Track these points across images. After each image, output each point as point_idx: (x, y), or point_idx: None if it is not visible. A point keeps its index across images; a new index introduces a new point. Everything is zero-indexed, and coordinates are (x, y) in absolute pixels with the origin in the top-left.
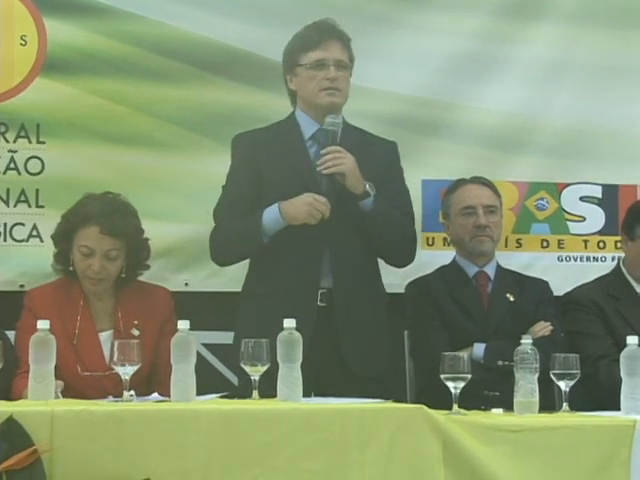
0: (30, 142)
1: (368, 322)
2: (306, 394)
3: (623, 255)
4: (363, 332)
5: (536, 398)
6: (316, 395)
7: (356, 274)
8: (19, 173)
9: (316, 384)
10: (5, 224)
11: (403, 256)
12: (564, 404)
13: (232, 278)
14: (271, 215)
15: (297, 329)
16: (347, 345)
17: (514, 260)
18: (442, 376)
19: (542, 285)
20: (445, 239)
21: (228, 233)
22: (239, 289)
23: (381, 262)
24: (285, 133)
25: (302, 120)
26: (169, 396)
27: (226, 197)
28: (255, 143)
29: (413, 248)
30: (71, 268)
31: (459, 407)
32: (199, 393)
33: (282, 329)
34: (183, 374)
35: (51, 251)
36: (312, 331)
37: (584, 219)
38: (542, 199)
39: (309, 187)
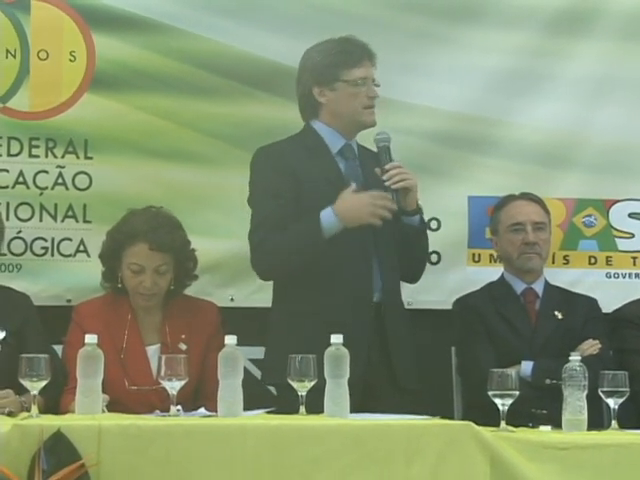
0: (78, 158)
1: (411, 336)
2: (359, 409)
3: None
4: (410, 346)
5: (584, 415)
6: (368, 410)
7: (398, 289)
8: (67, 188)
9: (368, 399)
10: (53, 239)
11: (421, 273)
12: (613, 422)
13: None
14: (328, 217)
15: (350, 345)
16: (397, 359)
17: (561, 277)
18: (490, 393)
19: (590, 302)
20: (491, 255)
21: (282, 242)
22: None
23: (424, 279)
24: (311, 146)
25: (326, 134)
26: (216, 411)
27: (262, 214)
28: (287, 154)
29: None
30: (120, 285)
31: (507, 424)
32: (246, 408)
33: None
34: (230, 389)
35: (98, 266)
36: (366, 346)
37: (633, 236)
38: (590, 216)
39: None
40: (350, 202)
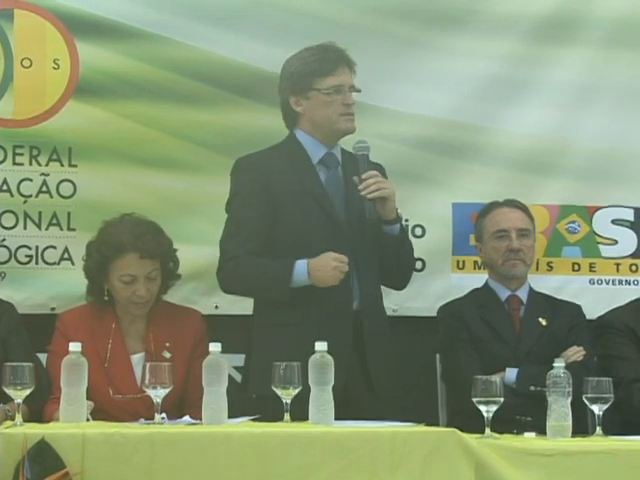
0: (62, 165)
1: (390, 344)
2: (336, 417)
3: None
4: (387, 354)
5: (569, 422)
6: (344, 417)
7: (377, 296)
8: (51, 196)
9: (345, 406)
10: (37, 247)
11: (407, 280)
12: (597, 428)
13: None
14: (301, 272)
15: (331, 353)
16: (375, 367)
17: (545, 283)
18: (474, 399)
19: (575, 309)
20: (475, 262)
21: (252, 272)
22: None
23: (410, 286)
24: (292, 156)
25: (307, 143)
26: (200, 419)
27: (237, 224)
28: (265, 165)
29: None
30: (106, 298)
31: (491, 431)
32: (230, 416)
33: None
34: (215, 397)
35: (82, 274)
36: (348, 353)
37: (616, 242)
38: (573, 222)
39: (326, 210)
40: (321, 263)
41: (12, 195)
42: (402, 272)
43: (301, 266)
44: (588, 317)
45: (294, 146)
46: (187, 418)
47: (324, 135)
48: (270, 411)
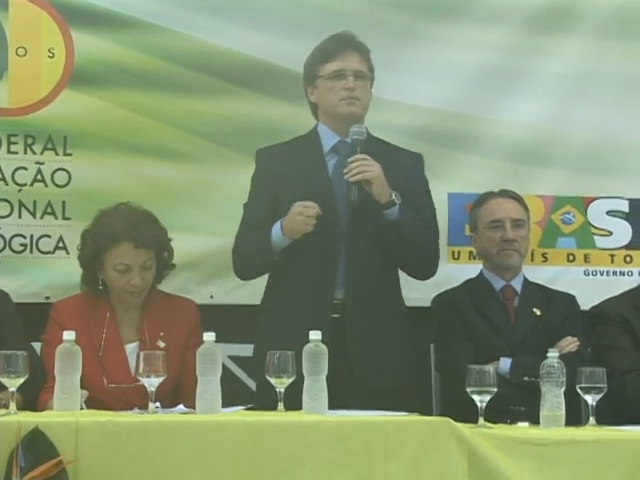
0: (57, 154)
1: (382, 334)
2: None
3: None
4: (375, 344)
5: (562, 412)
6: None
7: (372, 285)
8: (46, 185)
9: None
10: (31, 236)
11: (425, 269)
12: (591, 418)
13: (257, 291)
14: (276, 232)
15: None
16: (356, 357)
17: (540, 274)
18: (468, 389)
19: (569, 299)
20: (471, 252)
21: (243, 250)
22: None
23: (403, 275)
24: (305, 147)
25: (323, 132)
26: (194, 408)
27: (245, 215)
28: (273, 158)
29: (436, 262)
30: (101, 287)
31: (485, 420)
32: (224, 405)
33: (299, 343)
34: (209, 386)
35: (77, 263)
36: (327, 341)
37: (610, 233)
38: (568, 213)
39: (324, 199)
40: (290, 215)
41: (7, 184)
42: (408, 258)
43: (277, 224)
44: (582, 308)
45: (311, 138)
46: (181, 407)
47: (334, 123)
48: (272, 398)
